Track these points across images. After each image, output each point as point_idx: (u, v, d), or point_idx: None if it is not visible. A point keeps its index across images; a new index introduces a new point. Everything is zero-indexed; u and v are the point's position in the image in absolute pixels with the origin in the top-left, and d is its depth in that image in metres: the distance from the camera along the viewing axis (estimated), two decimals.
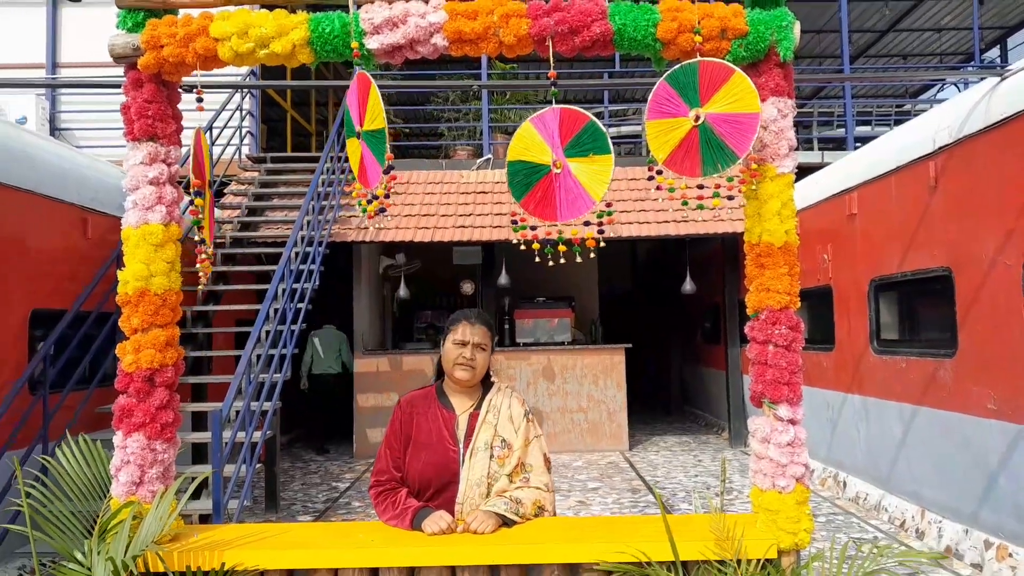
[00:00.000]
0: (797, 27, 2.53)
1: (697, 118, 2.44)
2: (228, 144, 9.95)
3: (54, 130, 11.12)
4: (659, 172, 2.60)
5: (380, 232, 9.69)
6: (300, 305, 7.54)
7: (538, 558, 2.41)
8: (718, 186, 2.49)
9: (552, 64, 2.49)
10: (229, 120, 10.07)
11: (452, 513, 2.59)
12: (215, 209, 9.85)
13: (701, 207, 2.59)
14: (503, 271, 10.15)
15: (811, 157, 10.94)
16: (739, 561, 2.37)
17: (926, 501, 6.00)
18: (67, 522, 2.47)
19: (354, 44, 2.44)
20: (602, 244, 2.56)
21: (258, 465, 6.18)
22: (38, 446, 5.75)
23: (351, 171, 2.64)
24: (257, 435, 6.06)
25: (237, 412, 5.93)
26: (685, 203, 2.70)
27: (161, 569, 2.32)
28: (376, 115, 2.40)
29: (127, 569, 2.17)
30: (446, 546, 2.42)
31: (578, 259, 2.61)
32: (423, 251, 11.20)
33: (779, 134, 2.53)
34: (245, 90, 10.58)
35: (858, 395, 7.20)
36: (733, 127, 2.38)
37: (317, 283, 8.18)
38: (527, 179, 2.41)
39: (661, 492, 7.99)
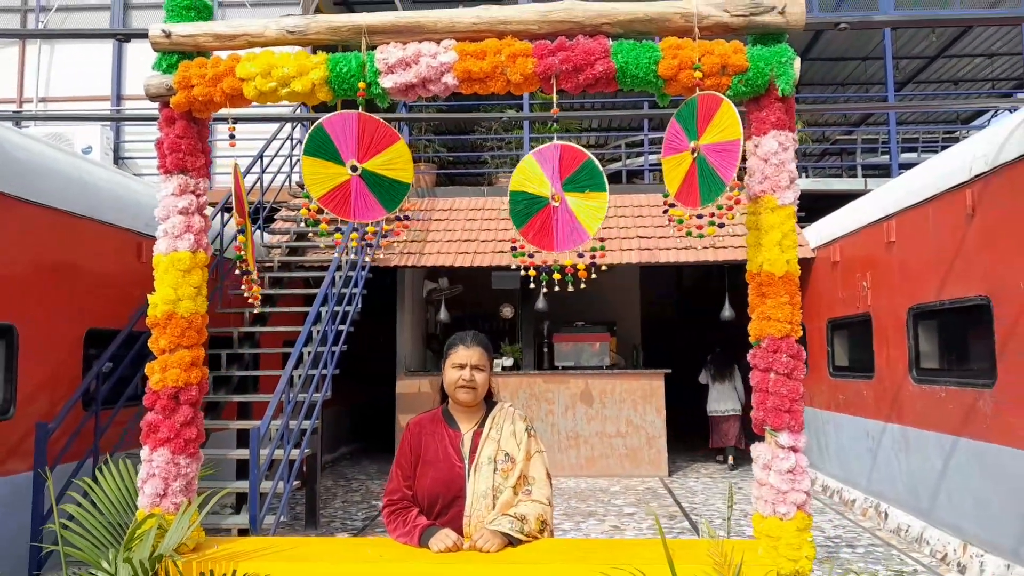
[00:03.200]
0: (797, 63, 2.60)
1: (694, 150, 2.52)
2: (279, 172, 10.30)
3: (118, 159, 11.67)
4: (672, 205, 2.70)
5: (422, 257, 9.90)
6: (342, 327, 7.75)
7: None
8: (712, 215, 2.56)
9: (555, 100, 2.60)
10: (280, 148, 10.43)
11: (461, 525, 2.69)
12: (264, 234, 10.24)
13: (701, 236, 2.67)
14: (540, 296, 10.25)
15: (855, 184, 10.82)
16: None
17: (968, 534, 5.84)
18: (100, 534, 2.64)
19: (361, 85, 2.60)
20: (593, 276, 2.65)
21: (296, 483, 6.35)
22: (89, 459, 6.02)
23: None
24: (295, 452, 6.24)
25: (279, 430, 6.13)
26: (689, 233, 2.79)
27: None
28: (404, 167, 2.53)
29: (147, 575, 2.31)
30: (452, 564, 2.51)
31: (570, 287, 2.70)
32: (466, 276, 11.38)
33: (780, 167, 2.59)
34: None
35: (897, 424, 7.06)
36: (721, 156, 2.46)
37: (359, 306, 8.40)
38: (528, 209, 2.52)
39: (697, 519, 7.92)
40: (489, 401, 2.92)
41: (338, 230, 2.57)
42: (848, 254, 8.37)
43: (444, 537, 2.60)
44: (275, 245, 10.01)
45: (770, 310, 2.57)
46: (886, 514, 7.37)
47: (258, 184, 9.54)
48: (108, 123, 11.49)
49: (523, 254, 2.63)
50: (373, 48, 2.68)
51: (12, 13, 12.08)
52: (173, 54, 2.75)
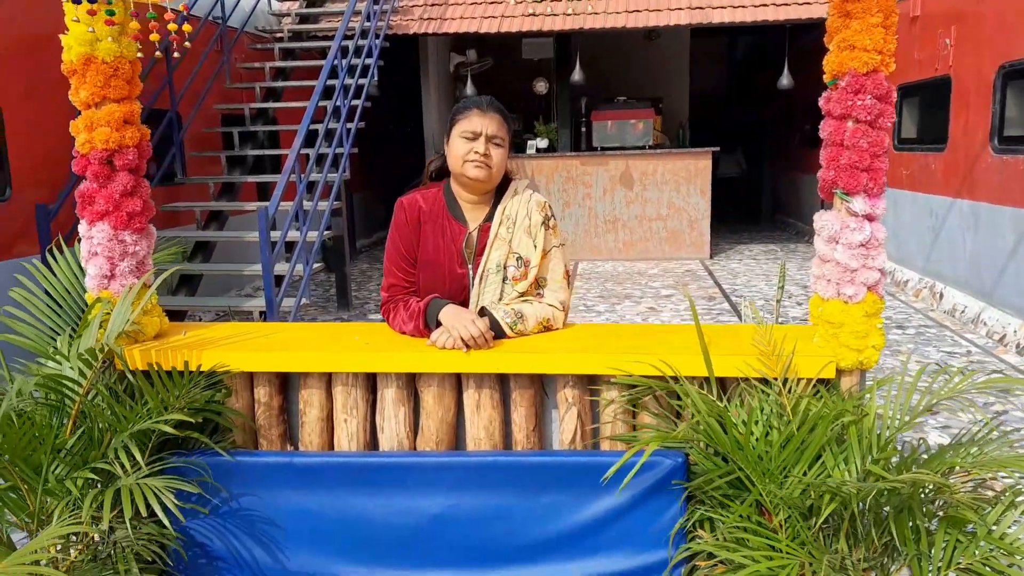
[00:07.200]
0: None
1: None
2: None
3: None
4: None
5: (444, 23, 8.98)
6: (356, 102, 7.14)
7: (551, 368, 2.10)
8: None
9: None
10: None
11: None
12: (272, 1, 9.34)
13: None
14: (577, 66, 9.36)
15: None
16: (786, 380, 2.00)
17: None
18: (50, 321, 2.33)
19: None
20: None
21: (317, 265, 6.10)
22: None
23: None
24: (313, 234, 5.93)
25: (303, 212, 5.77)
26: None
27: (121, 367, 2.13)
28: None
29: (91, 367, 1.99)
30: (450, 352, 2.14)
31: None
32: (495, 47, 10.44)
33: None
34: None
35: (968, 200, 6.43)
36: None
37: (375, 78, 7.72)
38: None
39: (738, 300, 7.63)
40: (502, 186, 2.36)
41: None
42: (931, 7, 7.26)
43: (455, 329, 2.10)
44: (285, 13, 9.17)
45: (854, 36, 1.93)
46: (941, 295, 6.96)
47: None
48: None
49: None
50: None
51: None
52: None
